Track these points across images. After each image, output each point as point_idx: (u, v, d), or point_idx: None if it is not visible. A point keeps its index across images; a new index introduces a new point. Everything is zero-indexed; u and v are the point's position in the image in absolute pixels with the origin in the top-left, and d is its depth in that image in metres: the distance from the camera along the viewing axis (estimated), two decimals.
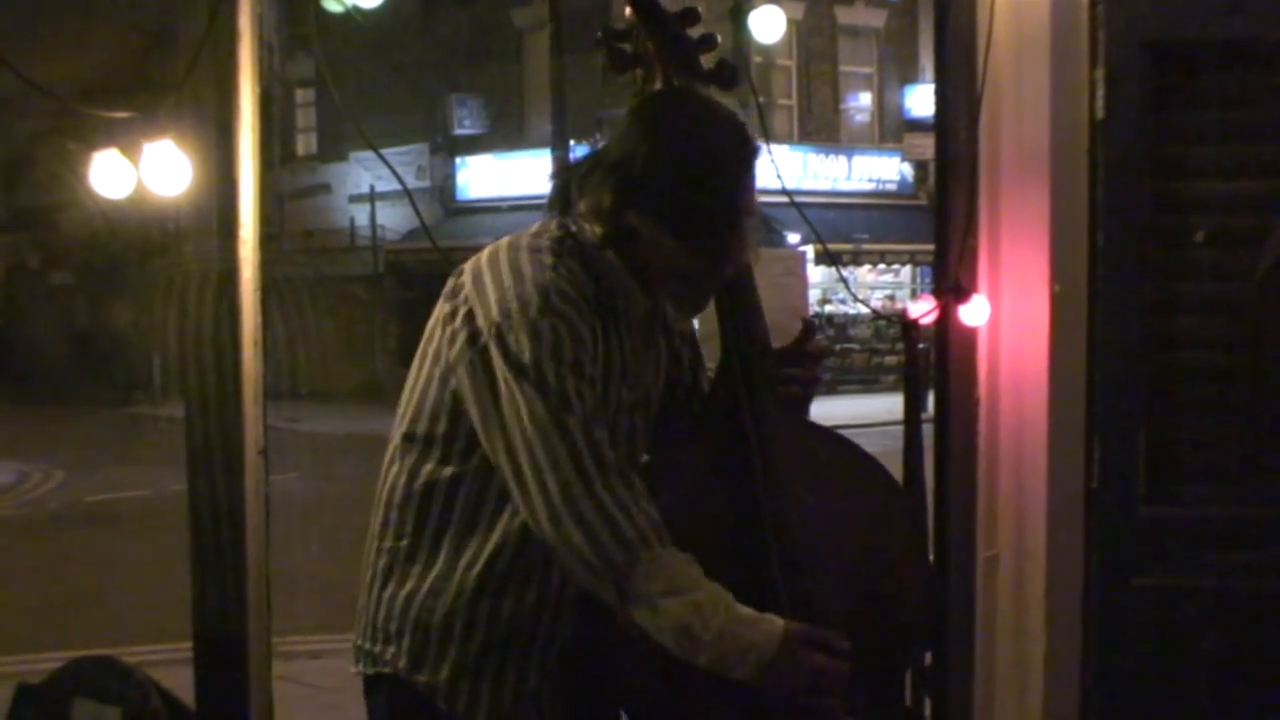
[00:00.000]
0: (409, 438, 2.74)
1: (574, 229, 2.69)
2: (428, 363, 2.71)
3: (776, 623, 2.52)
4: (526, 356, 2.54)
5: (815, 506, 2.73)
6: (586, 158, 2.71)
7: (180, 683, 3.96)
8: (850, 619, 2.70)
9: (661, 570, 2.51)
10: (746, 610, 2.52)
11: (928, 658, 4.18)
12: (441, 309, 2.71)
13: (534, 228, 2.74)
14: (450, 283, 2.73)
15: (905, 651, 3.00)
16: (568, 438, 2.53)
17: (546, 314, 2.56)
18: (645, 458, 2.85)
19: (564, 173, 2.76)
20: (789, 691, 2.52)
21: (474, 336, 2.61)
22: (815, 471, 2.79)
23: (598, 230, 2.65)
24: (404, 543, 2.75)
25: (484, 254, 2.72)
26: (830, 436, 2.95)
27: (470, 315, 2.63)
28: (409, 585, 2.74)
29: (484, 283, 2.65)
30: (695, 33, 2.95)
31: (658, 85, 2.88)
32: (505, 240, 2.73)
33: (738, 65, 2.97)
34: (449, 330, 2.66)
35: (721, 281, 2.73)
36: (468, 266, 2.72)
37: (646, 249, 2.63)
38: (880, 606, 2.82)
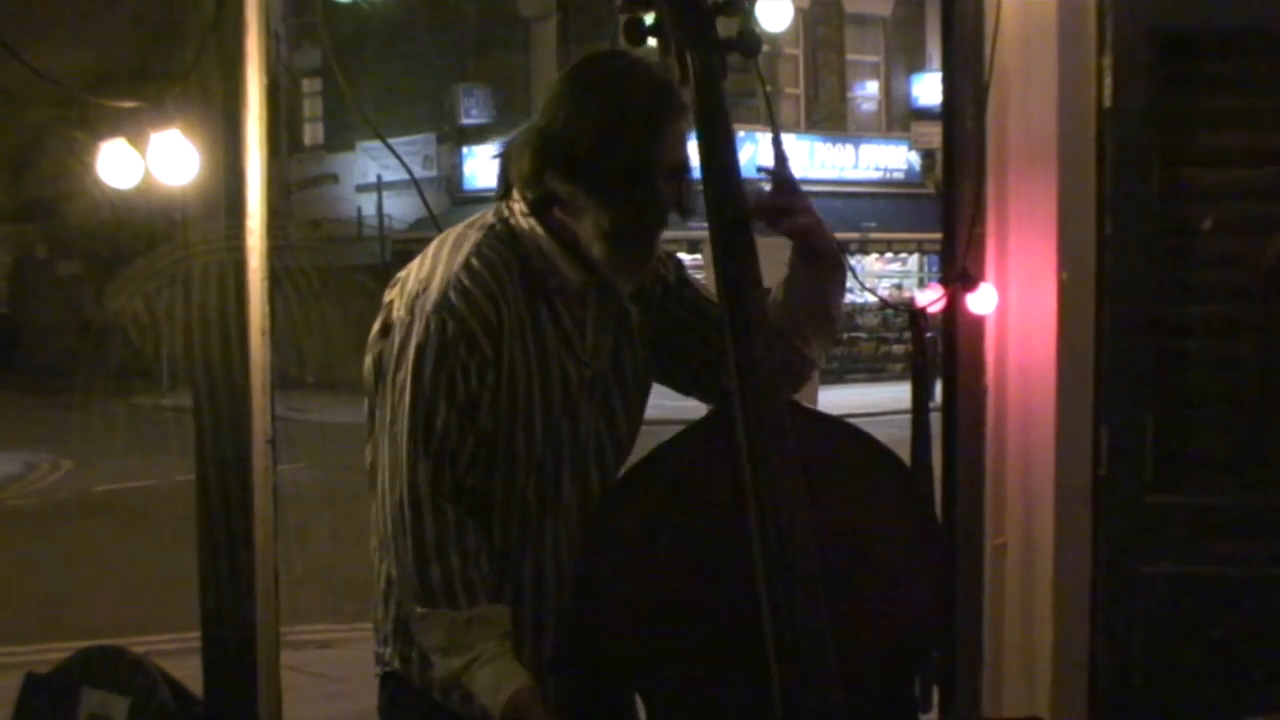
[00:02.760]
0: (370, 433, 2.76)
1: (506, 213, 2.71)
2: (367, 350, 2.76)
3: (495, 698, 2.55)
4: (410, 356, 2.59)
5: (814, 504, 2.65)
6: (519, 131, 2.72)
7: (188, 672, 3.97)
8: (847, 620, 2.68)
9: (431, 627, 2.59)
10: (483, 680, 2.56)
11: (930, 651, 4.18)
12: (385, 299, 2.75)
13: (472, 218, 2.76)
14: (397, 274, 2.77)
15: (915, 652, 2.95)
16: (412, 461, 2.58)
17: (440, 310, 2.59)
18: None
19: (504, 150, 2.76)
20: None
21: (385, 328, 2.68)
22: (817, 467, 2.70)
23: (526, 197, 2.66)
24: (392, 553, 2.75)
25: (425, 249, 2.75)
26: (839, 426, 2.90)
27: (390, 305, 2.70)
28: (383, 585, 2.76)
29: (409, 277, 2.70)
30: None
31: (671, 55, 2.85)
32: (443, 234, 2.76)
33: (759, 34, 2.93)
34: (377, 323, 2.73)
35: (650, 239, 2.70)
36: (413, 260, 2.75)
37: (568, 211, 2.63)
38: (883, 606, 2.75)
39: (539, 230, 2.67)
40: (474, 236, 2.68)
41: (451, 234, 2.73)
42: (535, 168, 2.62)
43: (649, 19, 2.85)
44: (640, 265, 2.74)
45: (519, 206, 2.68)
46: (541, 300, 2.68)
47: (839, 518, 2.71)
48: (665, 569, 2.66)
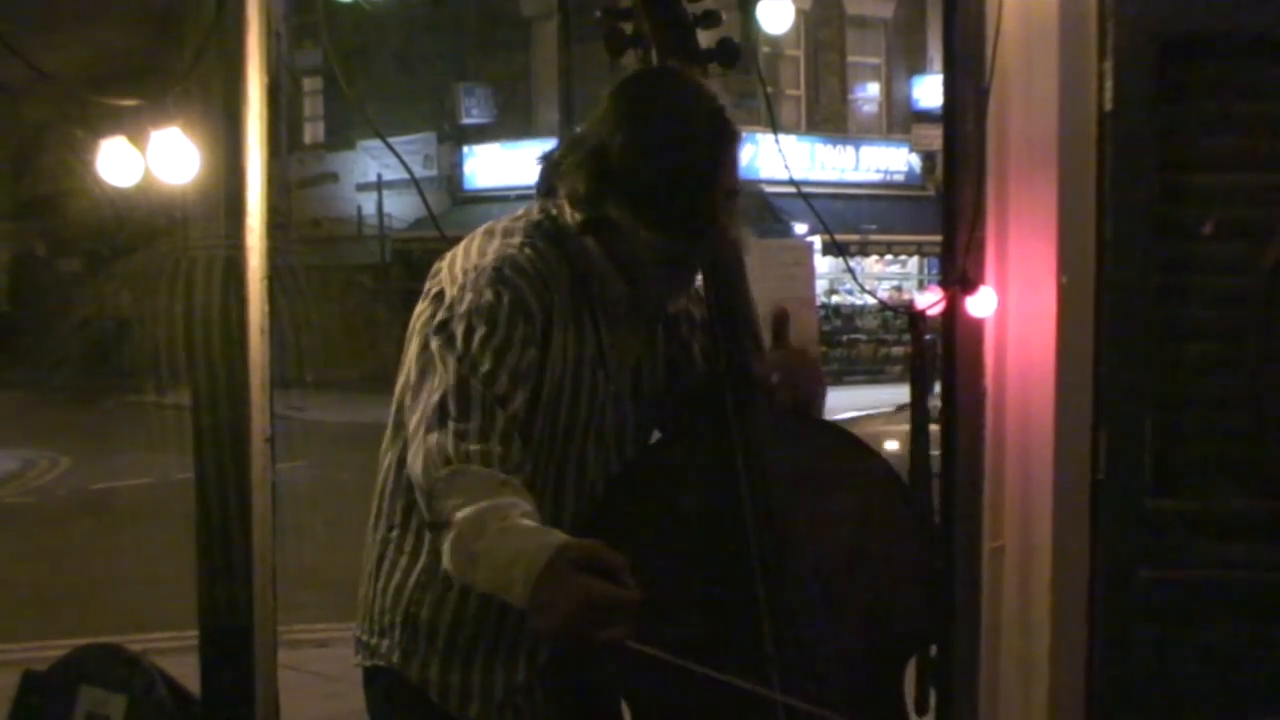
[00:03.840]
0: (398, 426, 2.71)
1: (554, 212, 2.68)
2: (411, 346, 2.69)
3: (550, 537, 2.30)
4: (461, 323, 2.54)
5: (805, 506, 2.68)
6: (565, 141, 2.69)
7: (186, 671, 3.97)
8: (838, 622, 2.68)
9: (461, 483, 2.40)
10: (529, 524, 2.33)
11: (933, 650, 4.18)
12: (425, 291, 2.72)
13: (517, 212, 2.74)
14: (435, 265, 2.74)
15: (904, 654, 2.96)
16: (447, 371, 2.51)
17: (495, 283, 2.56)
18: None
19: (547, 156, 2.73)
20: (561, 619, 2.22)
21: (435, 315, 2.63)
22: (806, 468, 2.74)
23: (577, 217, 2.62)
24: (394, 533, 2.74)
25: (467, 238, 2.73)
26: (827, 429, 2.91)
27: (440, 295, 2.65)
28: (398, 578, 2.73)
29: (455, 265, 2.66)
30: (699, 9, 2.91)
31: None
32: (486, 225, 2.73)
33: (739, 43, 2.92)
34: (421, 308, 2.68)
35: (703, 263, 2.72)
36: (451, 251, 2.73)
37: (624, 237, 2.60)
38: (876, 611, 2.76)
39: (589, 241, 2.64)
40: (523, 227, 2.67)
41: (498, 225, 2.71)
42: (591, 193, 2.58)
43: (627, 29, 2.86)
44: (687, 285, 2.76)
45: (572, 216, 2.65)
46: (585, 304, 2.67)
47: (829, 521, 2.72)
48: (656, 573, 2.66)
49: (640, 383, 2.81)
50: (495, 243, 2.66)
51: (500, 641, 2.70)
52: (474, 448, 2.44)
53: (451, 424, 2.47)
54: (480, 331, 2.53)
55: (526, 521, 2.34)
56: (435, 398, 2.51)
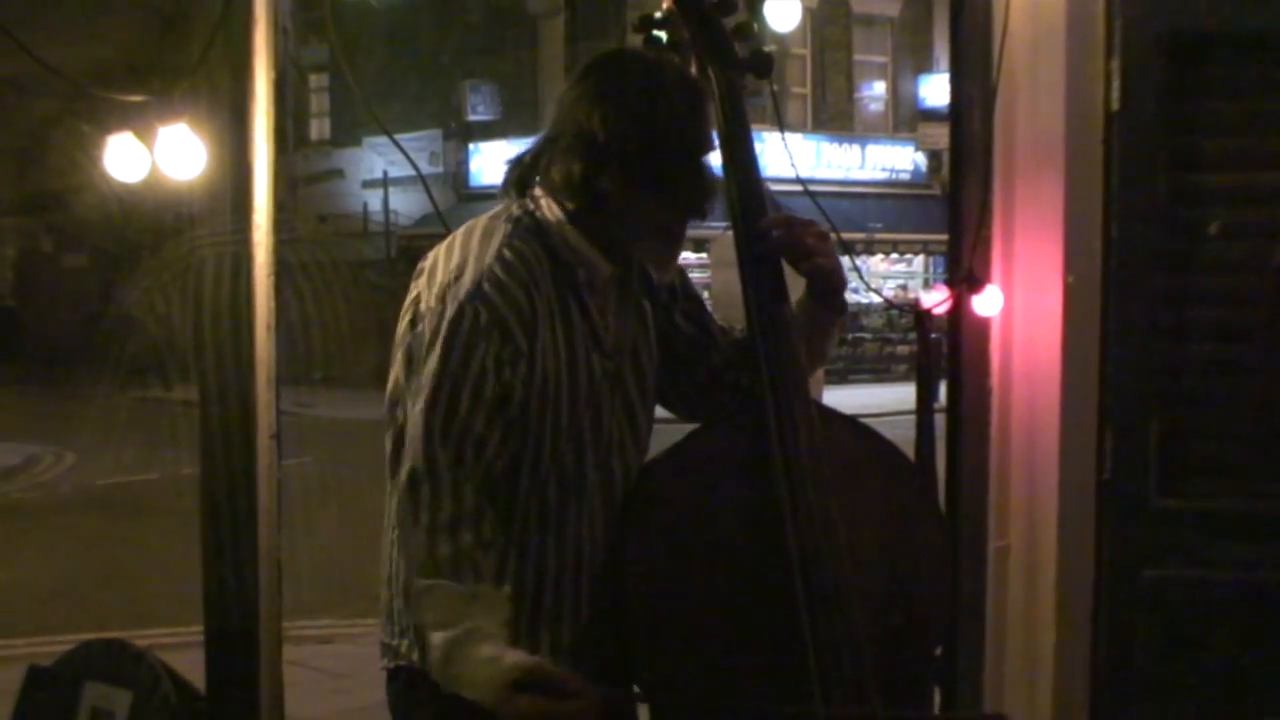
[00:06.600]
0: (390, 426, 2.74)
1: (531, 207, 2.72)
2: (397, 352, 2.74)
3: (500, 664, 2.46)
4: (440, 343, 2.59)
5: (841, 498, 2.71)
6: (537, 142, 2.76)
7: (191, 666, 3.97)
8: (877, 615, 2.71)
9: (433, 600, 2.53)
10: (485, 651, 2.48)
11: (938, 648, 4.18)
12: (410, 294, 2.76)
13: (495, 210, 2.77)
14: (419, 265, 2.77)
15: (932, 641, 2.99)
16: (431, 442, 2.55)
17: (474, 299, 2.59)
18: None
19: (517, 161, 2.79)
20: None
21: (414, 321, 2.68)
22: (840, 462, 2.76)
23: (568, 205, 2.68)
24: (396, 533, 2.74)
25: (447, 239, 2.76)
26: (855, 426, 2.94)
27: (417, 300, 2.70)
28: (403, 580, 2.71)
29: (436, 268, 2.70)
30: (731, 21, 2.95)
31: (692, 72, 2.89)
32: (466, 224, 2.77)
33: (774, 55, 2.97)
34: (404, 312, 2.73)
35: (688, 225, 2.77)
36: (433, 251, 2.76)
37: (621, 210, 2.67)
38: (906, 602, 2.80)
39: (567, 225, 2.68)
40: (503, 228, 2.70)
41: (478, 224, 2.74)
42: (585, 173, 2.64)
43: (663, 36, 2.90)
44: (678, 252, 2.81)
45: (546, 202, 2.70)
46: (570, 292, 2.70)
47: (864, 516, 2.76)
48: (696, 561, 2.69)
49: (639, 356, 2.85)
50: (474, 248, 2.68)
51: (516, 632, 2.69)
52: (445, 549, 2.52)
53: (425, 515, 2.54)
54: (452, 367, 2.57)
55: (485, 649, 2.48)
56: (405, 471, 2.57)
